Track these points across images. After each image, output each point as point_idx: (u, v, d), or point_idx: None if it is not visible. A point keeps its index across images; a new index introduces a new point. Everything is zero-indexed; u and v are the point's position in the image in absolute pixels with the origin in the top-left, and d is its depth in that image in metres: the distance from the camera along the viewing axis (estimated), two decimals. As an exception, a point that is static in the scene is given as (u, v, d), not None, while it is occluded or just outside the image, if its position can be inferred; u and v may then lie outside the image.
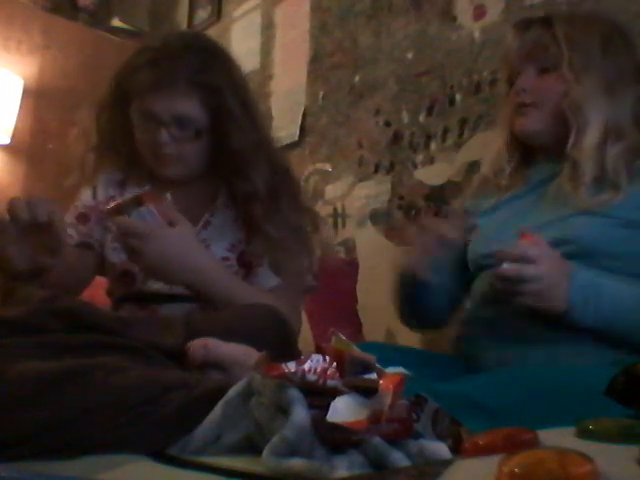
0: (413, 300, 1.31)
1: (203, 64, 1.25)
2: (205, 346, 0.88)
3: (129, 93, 1.27)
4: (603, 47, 1.16)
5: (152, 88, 1.23)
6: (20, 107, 2.56)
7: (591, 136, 1.12)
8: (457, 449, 0.62)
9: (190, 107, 1.24)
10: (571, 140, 1.14)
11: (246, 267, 1.31)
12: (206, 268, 1.18)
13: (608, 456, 0.51)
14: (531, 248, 1.02)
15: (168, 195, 1.20)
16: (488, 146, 1.46)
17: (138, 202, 1.12)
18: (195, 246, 1.19)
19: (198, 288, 1.18)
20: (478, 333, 1.18)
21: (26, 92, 2.59)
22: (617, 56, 1.17)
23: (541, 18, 1.22)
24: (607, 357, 1.03)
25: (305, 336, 1.60)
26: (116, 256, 1.32)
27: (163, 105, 1.23)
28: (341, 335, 0.72)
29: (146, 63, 1.24)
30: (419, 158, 1.91)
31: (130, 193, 1.25)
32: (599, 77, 1.15)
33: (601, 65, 1.15)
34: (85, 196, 1.39)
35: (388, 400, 0.63)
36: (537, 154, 1.27)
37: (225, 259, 1.30)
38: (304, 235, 1.33)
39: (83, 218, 1.36)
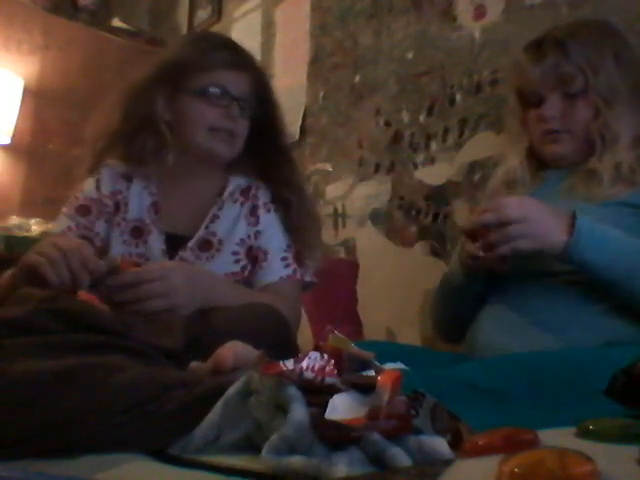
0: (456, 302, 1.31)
1: (254, 58, 1.43)
2: (235, 353, 0.87)
3: (189, 73, 1.33)
4: (617, 63, 1.21)
5: (230, 66, 1.35)
6: (20, 107, 2.56)
7: (619, 151, 1.18)
8: (456, 444, 0.62)
9: (251, 90, 1.37)
10: (596, 155, 1.20)
11: (252, 261, 1.34)
12: (217, 284, 1.21)
13: (608, 456, 0.51)
14: (504, 200, 1.07)
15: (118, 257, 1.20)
16: (490, 149, 1.47)
17: (115, 271, 1.08)
18: (195, 268, 1.25)
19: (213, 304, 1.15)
20: (488, 324, 1.19)
21: (26, 92, 2.59)
22: (628, 68, 1.22)
23: (552, 41, 1.24)
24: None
25: (305, 336, 1.60)
26: (125, 249, 1.32)
27: (237, 83, 1.34)
28: (338, 333, 0.72)
29: (223, 44, 1.38)
30: (419, 158, 1.90)
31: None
32: (623, 95, 1.20)
33: (620, 82, 1.20)
34: (88, 187, 1.37)
35: (386, 396, 0.63)
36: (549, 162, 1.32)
37: (235, 253, 1.33)
38: (318, 227, 1.44)
39: (84, 210, 1.35)
